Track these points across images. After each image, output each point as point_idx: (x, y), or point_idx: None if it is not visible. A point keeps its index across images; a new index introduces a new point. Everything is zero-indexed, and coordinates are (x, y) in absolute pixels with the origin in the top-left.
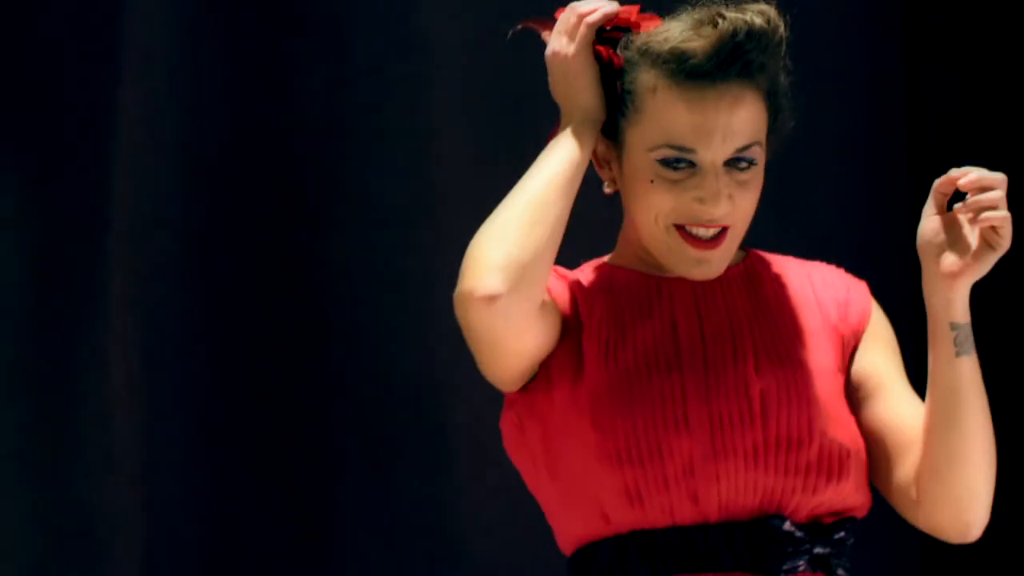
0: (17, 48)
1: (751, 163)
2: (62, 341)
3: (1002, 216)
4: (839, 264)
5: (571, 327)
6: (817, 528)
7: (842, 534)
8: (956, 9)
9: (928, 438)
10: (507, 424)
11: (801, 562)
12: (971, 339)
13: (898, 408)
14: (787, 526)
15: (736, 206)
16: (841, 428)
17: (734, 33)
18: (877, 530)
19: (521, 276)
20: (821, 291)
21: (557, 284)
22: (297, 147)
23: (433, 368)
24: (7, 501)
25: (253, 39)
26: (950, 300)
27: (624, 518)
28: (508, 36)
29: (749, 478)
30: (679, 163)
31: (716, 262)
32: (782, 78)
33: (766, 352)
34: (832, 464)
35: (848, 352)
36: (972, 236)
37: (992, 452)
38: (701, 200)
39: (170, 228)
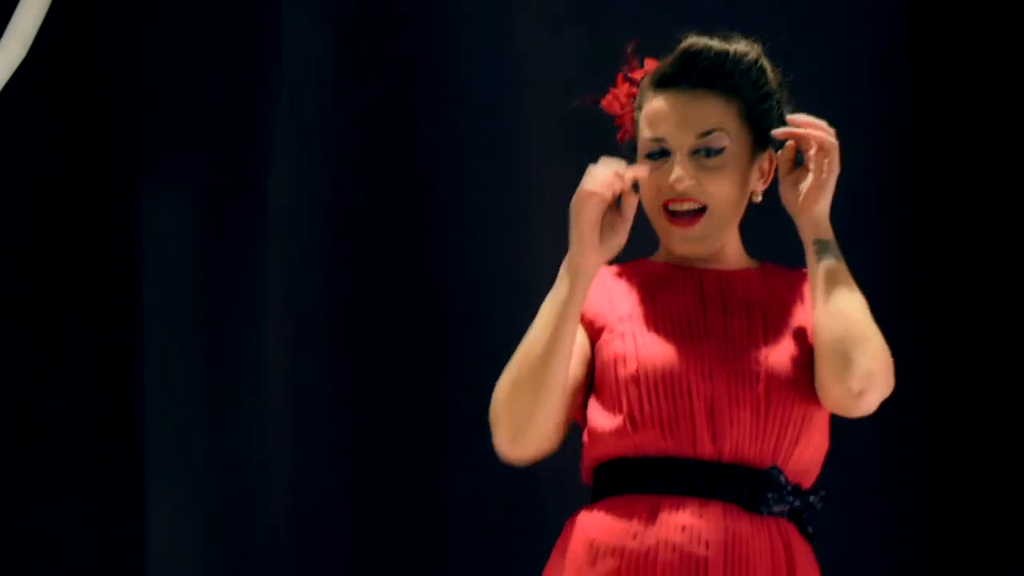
0: (191, 73)
1: (716, 152)
2: (228, 332)
3: (830, 143)
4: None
5: (609, 313)
6: (797, 489)
7: (812, 499)
8: (962, 10)
9: (816, 329)
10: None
11: (783, 508)
12: (833, 250)
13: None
14: (782, 478)
15: (705, 187)
16: (815, 396)
17: (691, 51)
18: (882, 514)
19: (533, 438)
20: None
21: (594, 293)
22: (420, 161)
23: None
24: (181, 492)
25: (386, 69)
26: (810, 223)
27: (653, 446)
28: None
29: (753, 428)
30: (656, 154)
31: (697, 237)
32: (761, 95)
33: (774, 333)
34: (807, 422)
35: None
36: (811, 175)
37: (855, 330)
38: (670, 178)
39: (316, 231)
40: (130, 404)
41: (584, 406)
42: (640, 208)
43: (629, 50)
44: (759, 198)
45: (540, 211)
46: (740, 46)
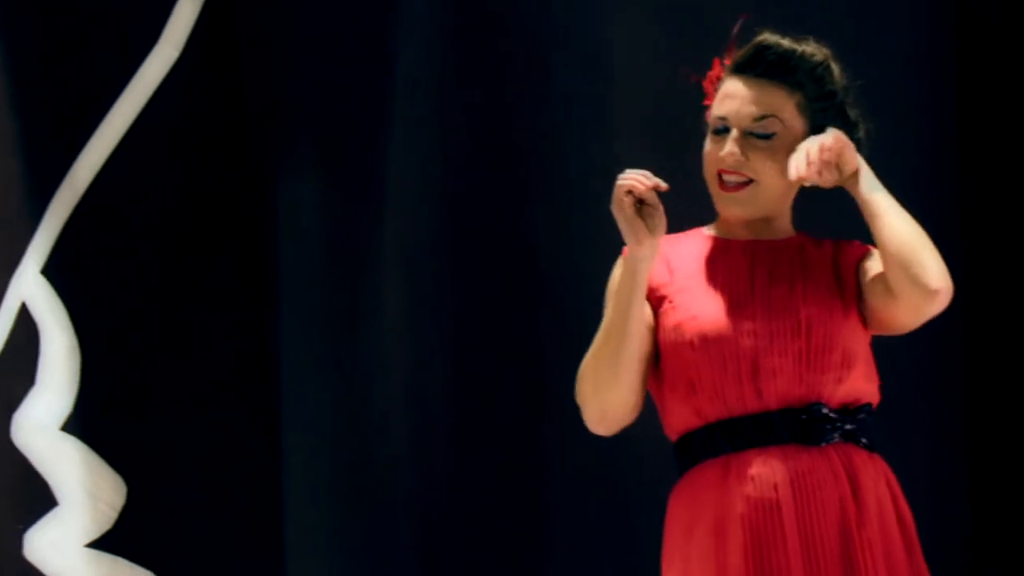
0: (318, 74)
1: (766, 136)
2: (354, 294)
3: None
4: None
5: (668, 282)
6: (846, 412)
7: (862, 416)
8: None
9: (883, 245)
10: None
11: (836, 435)
12: (878, 186)
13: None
14: (825, 410)
15: (752, 164)
16: (853, 339)
17: (763, 44)
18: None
19: (618, 413)
20: (846, 252)
21: (655, 264)
22: (518, 150)
23: None
24: (319, 459)
25: (489, 68)
26: (852, 184)
27: (710, 410)
28: (681, 79)
29: (796, 374)
30: (720, 130)
31: (741, 204)
32: (822, 92)
33: (812, 291)
34: (848, 362)
35: (855, 275)
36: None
37: (917, 240)
38: (723, 151)
39: (429, 214)
40: (269, 349)
41: (656, 373)
42: (701, 185)
43: (734, 33)
44: (808, 182)
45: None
46: (809, 47)
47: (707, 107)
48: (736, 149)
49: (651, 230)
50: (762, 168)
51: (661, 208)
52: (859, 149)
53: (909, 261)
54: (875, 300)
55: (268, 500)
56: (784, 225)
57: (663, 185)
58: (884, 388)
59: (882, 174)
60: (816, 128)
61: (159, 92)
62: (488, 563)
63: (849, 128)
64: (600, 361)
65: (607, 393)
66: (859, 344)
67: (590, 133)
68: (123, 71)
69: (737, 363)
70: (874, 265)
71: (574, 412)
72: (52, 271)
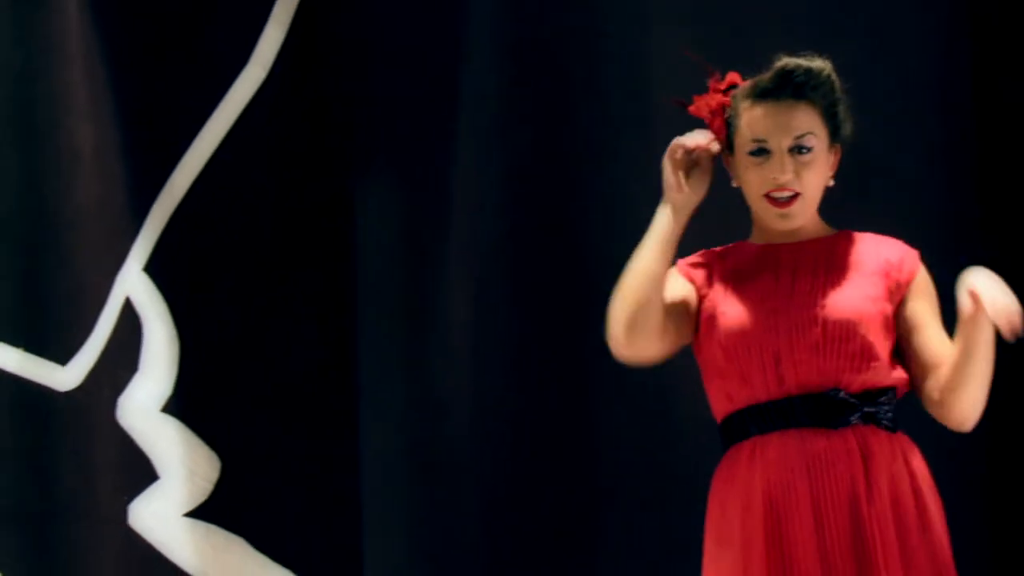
0: (392, 85)
1: (808, 149)
2: (425, 292)
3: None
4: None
5: (710, 286)
6: (867, 395)
7: (883, 399)
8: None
9: (955, 367)
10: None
11: (854, 418)
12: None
13: (931, 341)
14: (842, 395)
15: (801, 179)
16: (874, 331)
17: (787, 69)
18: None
19: (637, 339)
20: (884, 250)
21: (695, 271)
22: (574, 153)
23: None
24: (392, 438)
25: (544, 83)
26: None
27: (740, 396)
28: (673, 102)
29: (815, 363)
30: (757, 152)
31: (792, 216)
32: (833, 100)
33: (834, 284)
34: (867, 353)
35: (897, 295)
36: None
37: (989, 380)
38: (774, 174)
39: (492, 223)
40: (348, 341)
41: (695, 345)
42: (738, 199)
43: (705, 67)
44: (831, 183)
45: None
46: (817, 62)
47: (706, 125)
48: (787, 168)
49: (692, 185)
50: (808, 181)
51: (709, 173)
52: (844, 142)
53: (971, 399)
54: (910, 364)
55: (347, 475)
56: (812, 224)
57: (715, 147)
58: None
59: (903, 170)
60: (833, 133)
61: (248, 108)
62: (544, 530)
63: (846, 126)
64: (625, 294)
65: (629, 319)
66: (882, 335)
67: (633, 143)
68: (217, 89)
69: (761, 354)
70: (927, 310)
71: (620, 395)
72: (153, 269)
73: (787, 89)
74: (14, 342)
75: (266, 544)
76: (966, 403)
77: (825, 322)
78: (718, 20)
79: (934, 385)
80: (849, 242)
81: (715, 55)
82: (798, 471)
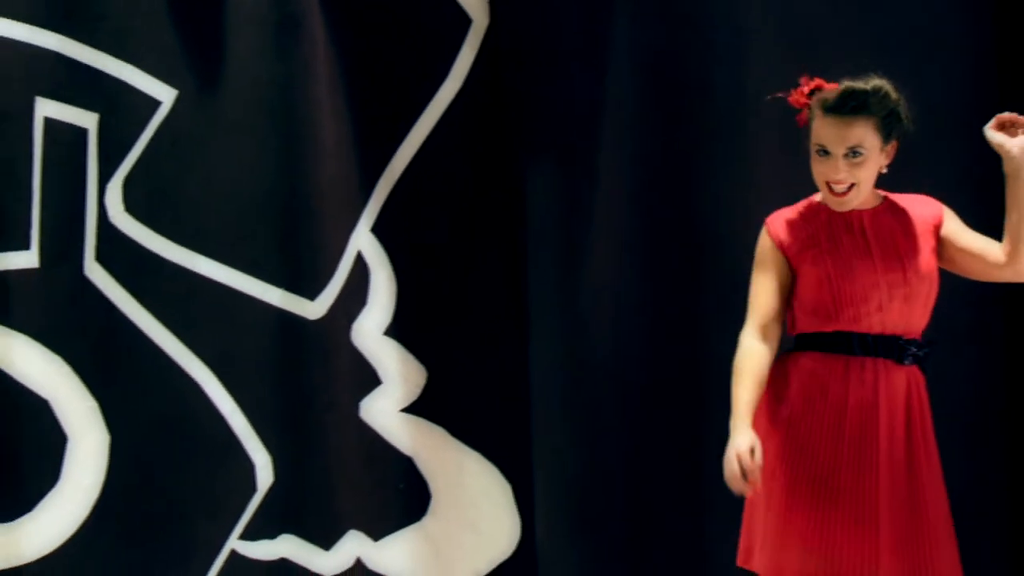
0: (556, 95)
1: (860, 153)
2: (583, 261)
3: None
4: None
5: (800, 250)
6: (918, 343)
7: (925, 346)
8: None
9: (1010, 227)
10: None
11: (911, 358)
12: None
13: (975, 237)
14: (903, 340)
15: (854, 175)
16: (932, 289)
17: (847, 91)
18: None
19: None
20: (918, 208)
21: (786, 233)
22: (700, 164)
23: None
24: (557, 366)
25: (667, 82)
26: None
27: (842, 326)
28: (769, 99)
29: (900, 311)
30: (821, 152)
31: (847, 202)
32: (888, 112)
33: (909, 250)
34: (927, 306)
35: (935, 237)
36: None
37: None
38: (831, 173)
39: (633, 207)
40: (520, 287)
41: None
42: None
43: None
44: (885, 170)
45: (765, 181)
46: (875, 82)
47: (798, 112)
48: (843, 170)
49: (747, 481)
50: (860, 175)
51: (756, 474)
52: (907, 135)
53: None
54: (968, 263)
55: (519, 381)
56: (868, 197)
57: (758, 483)
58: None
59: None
60: (887, 136)
61: (448, 110)
62: (674, 425)
63: (903, 125)
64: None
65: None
66: (935, 289)
67: (735, 137)
68: (425, 96)
69: (866, 301)
70: (957, 229)
71: (727, 349)
72: (378, 230)
73: (846, 108)
74: (277, 283)
75: (460, 432)
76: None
77: (909, 281)
78: (804, 31)
79: (996, 254)
80: (898, 207)
81: (802, 59)
82: (880, 392)
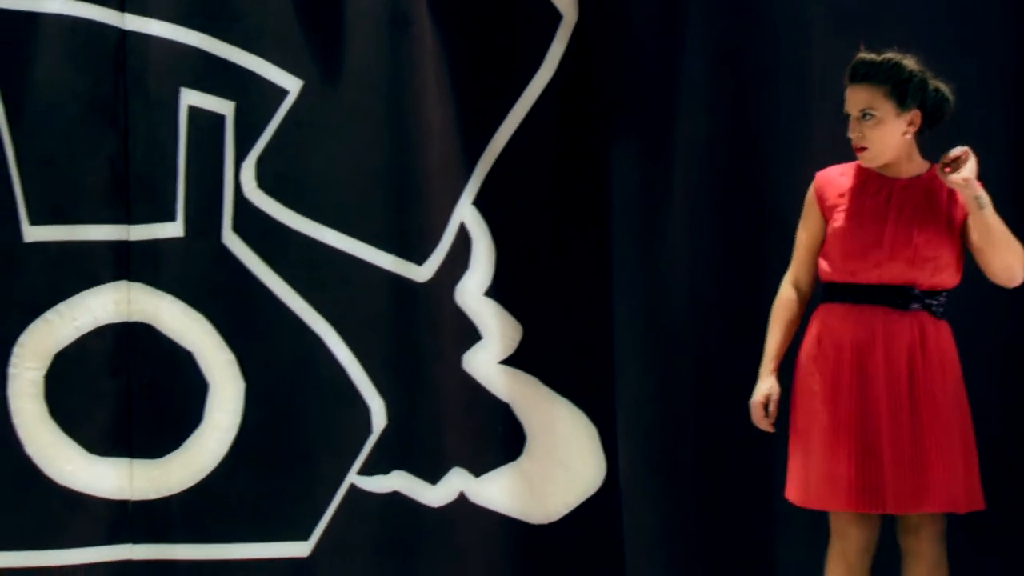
0: (636, 84)
1: (870, 116)
2: (652, 237)
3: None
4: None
5: (837, 202)
6: (930, 293)
7: (941, 296)
8: None
9: (977, 252)
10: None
11: (916, 305)
12: (984, 200)
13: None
14: (916, 291)
15: (867, 137)
16: (949, 252)
17: (857, 62)
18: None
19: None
20: (959, 201)
21: (827, 189)
22: (762, 155)
23: None
24: (637, 315)
25: (734, 72)
26: (968, 195)
27: (849, 276)
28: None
29: (904, 268)
30: (847, 117)
31: (864, 159)
32: (899, 80)
33: (927, 216)
34: (940, 265)
35: (963, 212)
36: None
37: (1013, 250)
38: (850, 132)
39: (698, 173)
40: (604, 252)
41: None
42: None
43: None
44: (909, 136)
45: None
46: (886, 55)
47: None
48: (857, 130)
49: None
50: (872, 137)
51: (763, 424)
52: (941, 109)
53: (1001, 267)
54: (976, 256)
55: (603, 335)
56: (907, 166)
57: (770, 429)
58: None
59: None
60: (902, 103)
61: (541, 97)
62: (741, 378)
63: (928, 95)
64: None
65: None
66: (953, 254)
67: (796, 120)
68: (520, 84)
69: (876, 255)
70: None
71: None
72: (479, 203)
73: (857, 76)
74: (388, 249)
75: (551, 381)
76: (1003, 272)
77: (917, 245)
78: (861, 21)
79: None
80: (937, 183)
81: (860, 46)
82: (878, 334)
